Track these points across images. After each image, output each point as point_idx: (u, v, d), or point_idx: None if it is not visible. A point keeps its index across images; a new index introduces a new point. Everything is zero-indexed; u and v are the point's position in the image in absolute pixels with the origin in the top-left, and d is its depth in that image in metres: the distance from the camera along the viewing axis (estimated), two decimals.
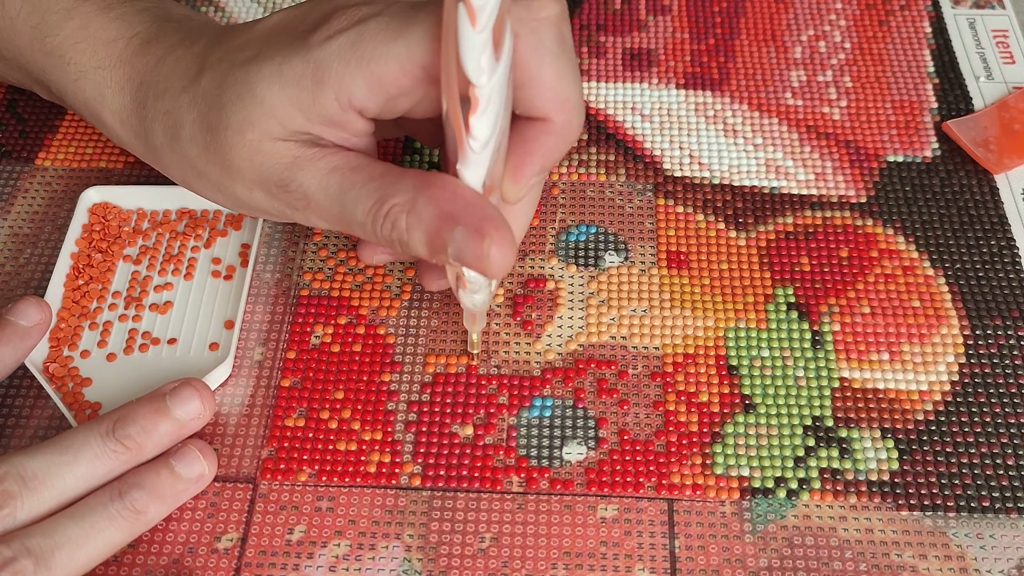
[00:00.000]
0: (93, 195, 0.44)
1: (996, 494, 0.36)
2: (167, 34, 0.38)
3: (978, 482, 0.37)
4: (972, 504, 0.36)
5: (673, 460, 0.37)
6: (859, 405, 0.38)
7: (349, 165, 0.34)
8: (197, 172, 0.36)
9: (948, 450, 0.37)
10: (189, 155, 0.36)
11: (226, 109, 0.34)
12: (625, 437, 0.38)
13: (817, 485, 0.36)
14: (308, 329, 0.41)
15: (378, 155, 0.39)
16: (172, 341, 0.40)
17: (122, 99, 0.37)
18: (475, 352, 0.40)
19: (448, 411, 0.38)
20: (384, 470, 0.37)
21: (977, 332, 0.40)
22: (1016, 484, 0.36)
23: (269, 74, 0.33)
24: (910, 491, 0.36)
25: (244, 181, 0.35)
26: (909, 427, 0.38)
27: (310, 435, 0.38)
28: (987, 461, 0.37)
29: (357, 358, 0.40)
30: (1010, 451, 0.37)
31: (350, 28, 0.33)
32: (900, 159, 0.46)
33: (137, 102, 0.37)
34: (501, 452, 0.37)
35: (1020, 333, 0.40)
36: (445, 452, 0.37)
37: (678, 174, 0.46)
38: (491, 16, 0.28)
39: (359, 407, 0.38)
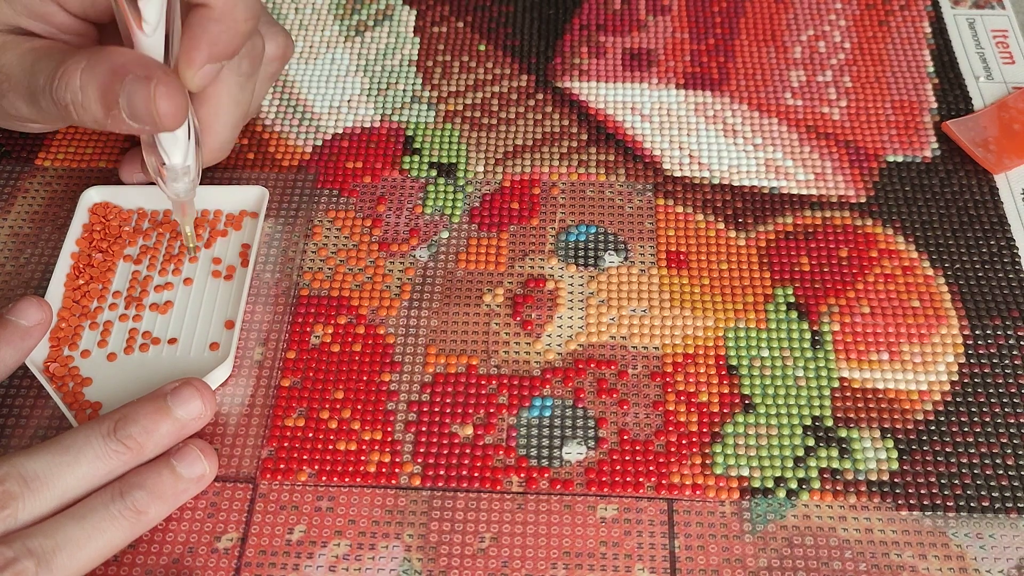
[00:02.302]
0: (93, 195, 0.44)
1: (996, 494, 0.36)
2: None
3: (978, 482, 0.37)
4: (972, 504, 0.36)
5: (673, 460, 0.37)
6: (859, 405, 0.38)
7: (47, 46, 0.37)
8: None
9: (948, 450, 0.37)
10: None
11: None
12: (625, 437, 0.38)
13: (817, 485, 0.37)
14: (308, 329, 0.41)
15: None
16: (172, 341, 0.40)
17: None
18: (191, 246, 0.41)
19: (448, 411, 0.38)
20: (384, 470, 0.37)
21: (977, 332, 0.40)
22: (1016, 484, 0.36)
23: None
24: (910, 491, 0.36)
25: None
26: (909, 427, 0.38)
27: (310, 435, 0.38)
28: (987, 461, 0.37)
29: (357, 358, 0.40)
30: (1010, 451, 0.37)
31: None
32: (900, 159, 0.46)
33: None
34: (501, 452, 0.37)
35: (1020, 333, 0.40)
36: (445, 452, 0.37)
37: (678, 174, 0.46)
38: None
39: (359, 407, 0.38)
